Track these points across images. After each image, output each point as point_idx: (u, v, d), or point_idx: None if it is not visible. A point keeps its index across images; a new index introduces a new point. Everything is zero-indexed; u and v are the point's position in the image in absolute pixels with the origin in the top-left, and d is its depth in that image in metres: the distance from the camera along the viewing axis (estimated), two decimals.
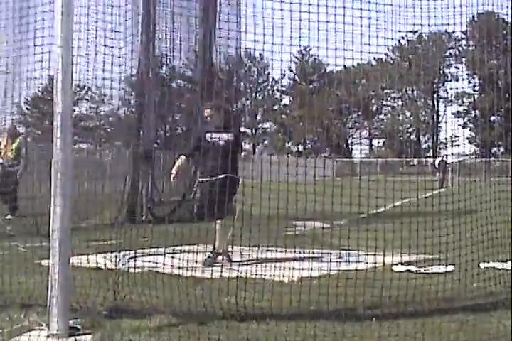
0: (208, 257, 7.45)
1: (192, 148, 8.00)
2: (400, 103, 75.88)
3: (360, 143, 77.63)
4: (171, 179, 7.96)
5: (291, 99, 76.77)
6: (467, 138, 68.25)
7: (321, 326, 4.46)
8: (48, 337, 4.39)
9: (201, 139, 7.76)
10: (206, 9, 13.38)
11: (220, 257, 7.52)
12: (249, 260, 7.47)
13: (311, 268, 6.22)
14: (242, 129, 71.27)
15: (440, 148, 70.59)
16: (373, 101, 72.00)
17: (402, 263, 6.92)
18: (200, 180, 8.00)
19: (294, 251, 7.27)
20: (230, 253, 7.58)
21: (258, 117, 77.38)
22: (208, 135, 7.75)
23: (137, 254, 7.06)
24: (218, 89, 14.68)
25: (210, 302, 4.95)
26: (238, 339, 4.29)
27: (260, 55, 65.79)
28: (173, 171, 7.83)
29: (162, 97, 13.80)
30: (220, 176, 7.34)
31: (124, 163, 14.09)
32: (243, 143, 9.47)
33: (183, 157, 7.91)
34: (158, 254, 6.91)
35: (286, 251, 7.35)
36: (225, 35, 5.88)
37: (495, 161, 49.86)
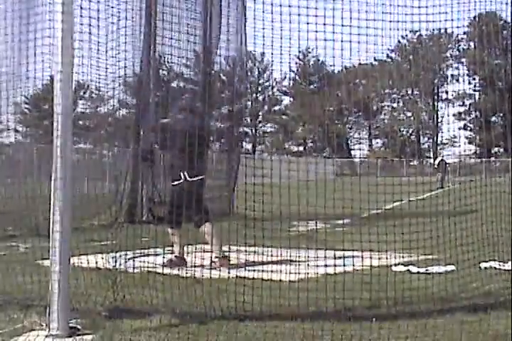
0: (212, 261, 7.36)
1: None
2: (400, 103, 75.87)
3: (360, 143, 77.63)
4: None
5: (291, 99, 76.81)
6: (467, 139, 68.31)
7: (321, 326, 4.46)
8: (47, 337, 4.39)
9: None
10: (207, 10, 13.37)
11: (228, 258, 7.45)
12: (249, 260, 7.45)
13: (311, 268, 6.23)
14: (244, 130, 71.24)
15: (440, 148, 70.59)
16: (373, 101, 72.02)
17: (402, 264, 6.92)
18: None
19: (294, 252, 7.26)
20: (225, 254, 7.56)
21: (259, 118, 77.34)
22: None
23: (137, 254, 7.07)
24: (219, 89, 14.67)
25: (210, 302, 4.95)
26: (238, 339, 4.29)
27: (262, 54, 65.66)
28: None
29: (162, 98, 13.77)
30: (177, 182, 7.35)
31: (124, 163, 14.07)
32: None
33: None
34: (158, 254, 6.92)
35: (285, 251, 7.34)
36: (229, 34, 5.89)
37: (495, 161, 49.83)
